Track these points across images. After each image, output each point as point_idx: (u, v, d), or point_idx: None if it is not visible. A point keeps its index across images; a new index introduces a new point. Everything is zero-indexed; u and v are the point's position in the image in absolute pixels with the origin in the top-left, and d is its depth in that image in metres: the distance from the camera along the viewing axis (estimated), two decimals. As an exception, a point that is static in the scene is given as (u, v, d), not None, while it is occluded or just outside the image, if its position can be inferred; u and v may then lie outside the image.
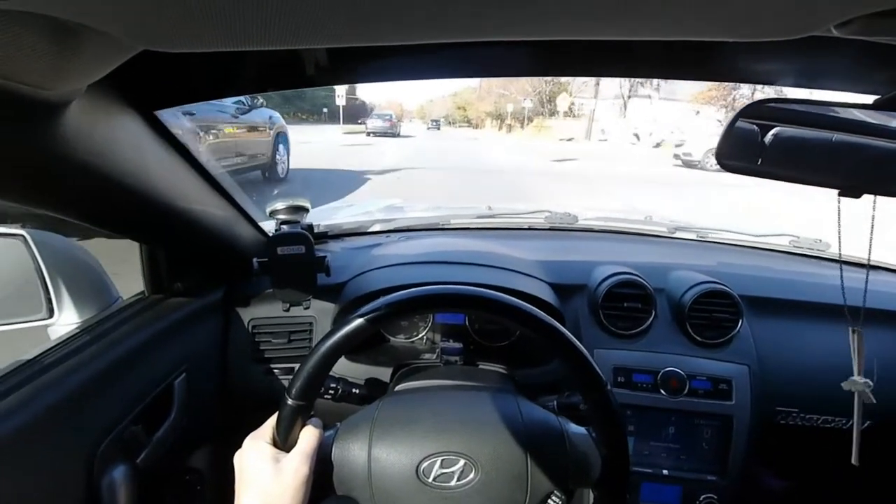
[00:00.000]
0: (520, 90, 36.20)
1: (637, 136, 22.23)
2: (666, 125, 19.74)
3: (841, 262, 0.67)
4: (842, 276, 0.64)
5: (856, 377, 0.66)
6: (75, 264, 0.83)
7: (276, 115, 6.41)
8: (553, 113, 32.88)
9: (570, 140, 24.32)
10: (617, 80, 24.56)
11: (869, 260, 0.64)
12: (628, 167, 11.93)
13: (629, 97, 26.30)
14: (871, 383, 0.65)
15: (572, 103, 29.22)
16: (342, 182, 7.13)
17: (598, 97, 27.46)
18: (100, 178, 0.47)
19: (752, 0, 0.20)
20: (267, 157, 5.94)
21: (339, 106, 23.43)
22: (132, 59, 0.35)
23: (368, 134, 19.92)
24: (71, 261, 0.82)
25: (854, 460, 0.66)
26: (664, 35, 0.24)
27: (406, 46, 0.53)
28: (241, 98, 5.40)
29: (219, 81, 0.55)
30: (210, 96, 0.56)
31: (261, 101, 6.02)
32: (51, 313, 0.77)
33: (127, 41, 0.24)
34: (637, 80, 23.35)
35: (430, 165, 10.46)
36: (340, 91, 20.97)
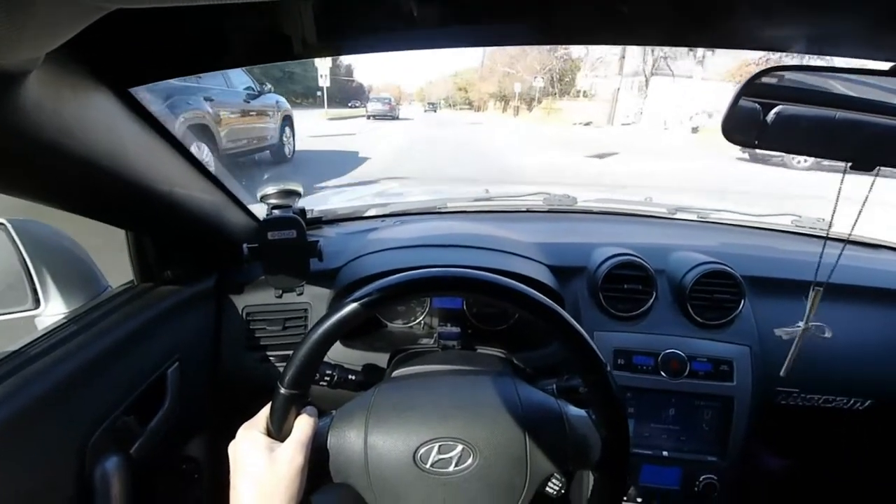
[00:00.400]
0: (527, 68, 32.11)
1: (665, 121, 18.57)
2: (704, 107, 16.77)
3: (826, 239, 0.72)
4: (822, 253, 0.68)
5: (800, 324, 0.74)
6: (61, 253, 0.80)
7: (283, 100, 6.79)
8: (564, 93, 29.73)
9: (587, 124, 21.27)
10: (637, 57, 21.64)
11: (850, 234, 0.64)
12: (681, 163, 9.13)
13: (652, 74, 21.30)
14: (819, 325, 0.73)
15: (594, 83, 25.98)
16: (346, 162, 7.45)
17: (617, 74, 22.87)
18: (73, 160, 0.45)
19: None
20: (275, 139, 6.36)
21: (322, 87, 20.18)
22: (102, 33, 0.32)
23: (369, 117, 20.42)
24: (56, 250, 0.80)
25: (782, 373, 0.74)
26: None
27: (399, 15, 0.50)
28: (251, 84, 5.87)
29: (198, 55, 0.52)
30: (186, 72, 0.53)
31: (269, 86, 6.38)
32: (37, 304, 0.75)
33: None
34: (662, 56, 20.62)
35: (425, 172, 7.46)
36: (324, 70, 18.22)
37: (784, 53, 0.51)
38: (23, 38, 0.28)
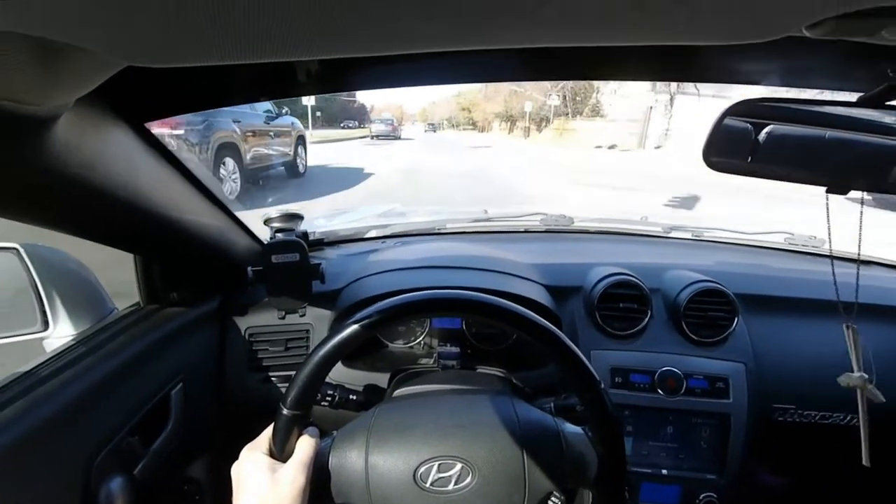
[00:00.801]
0: (537, 86, 28.29)
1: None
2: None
3: (832, 258, 0.69)
4: (833, 272, 0.65)
5: (855, 373, 0.65)
6: (69, 276, 0.82)
7: (297, 121, 7.73)
8: (577, 113, 26.16)
9: (612, 147, 18.33)
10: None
11: (859, 255, 0.64)
12: (787, 210, 4.94)
13: (676, 92, 17.98)
14: (868, 377, 0.65)
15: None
16: (353, 179, 7.99)
17: (650, 90, 18.60)
18: (92, 191, 0.47)
19: (722, 5, 0.21)
20: (290, 156, 7.23)
21: (307, 106, 19.50)
22: (121, 72, 0.35)
23: (373, 137, 22.09)
24: (65, 273, 0.82)
25: (865, 461, 0.65)
26: (640, 40, 0.24)
27: (401, 54, 0.53)
28: (269, 107, 6.55)
29: (209, 92, 0.55)
30: (201, 107, 0.56)
31: (286, 109, 7.23)
32: (46, 326, 0.76)
33: (107, 57, 0.25)
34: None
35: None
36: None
37: (759, 86, 0.54)
38: (55, 87, 0.31)
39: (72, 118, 0.40)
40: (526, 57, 0.54)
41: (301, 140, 7.60)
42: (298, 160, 7.54)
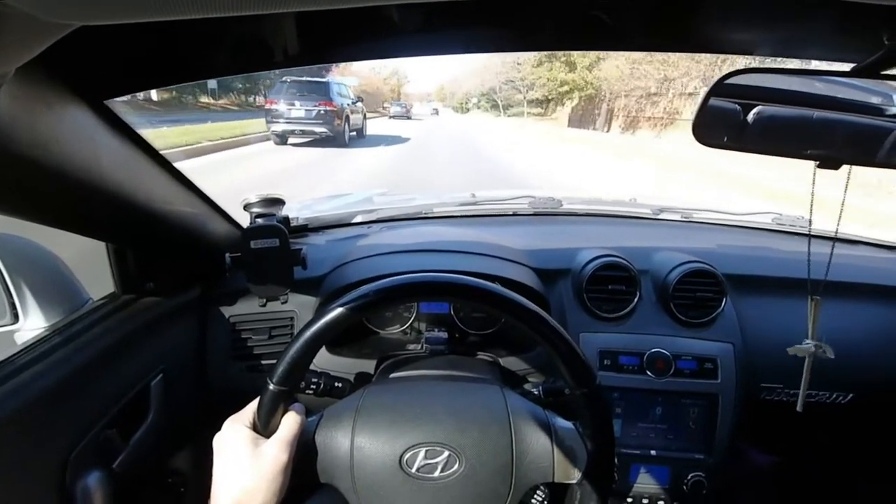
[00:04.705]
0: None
1: None
2: None
3: (810, 237, 0.72)
4: (809, 251, 0.67)
5: (808, 341, 0.71)
6: (40, 267, 0.79)
7: (363, 106, 13.85)
8: None
9: None
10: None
11: (836, 232, 0.65)
12: None
13: None
14: (822, 346, 0.70)
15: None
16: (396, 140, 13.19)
17: None
18: (49, 174, 0.44)
19: None
20: (360, 125, 12.88)
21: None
22: (76, 45, 0.32)
23: (391, 117, 28.54)
24: (34, 262, 0.79)
25: (799, 408, 0.74)
26: None
27: (380, 23, 0.50)
28: (352, 96, 12.32)
29: (172, 68, 0.52)
30: (162, 83, 0.53)
31: (361, 97, 13.66)
32: (15, 318, 0.73)
33: (34, 13, 0.22)
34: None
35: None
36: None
37: (751, 56, 0.53)
38: None
39: (16, 91, 0.37)
40: (516, 26, 0.51)
41: (364, 115, 13.54)
42: (364, 129, 13.29)
